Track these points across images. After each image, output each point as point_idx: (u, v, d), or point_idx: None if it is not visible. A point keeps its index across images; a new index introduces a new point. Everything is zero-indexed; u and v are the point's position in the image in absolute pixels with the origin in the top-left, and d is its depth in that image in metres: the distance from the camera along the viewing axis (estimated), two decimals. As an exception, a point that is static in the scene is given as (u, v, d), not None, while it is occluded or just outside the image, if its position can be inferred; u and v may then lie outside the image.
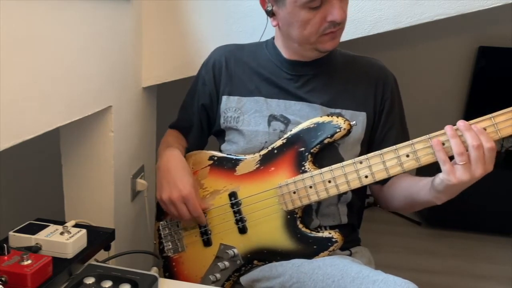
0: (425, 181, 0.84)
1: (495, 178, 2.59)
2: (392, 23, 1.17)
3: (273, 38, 1.02)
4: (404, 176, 0.93)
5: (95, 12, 0.93)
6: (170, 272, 1.00)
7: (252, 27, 1.21)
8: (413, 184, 0.89)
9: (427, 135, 0.76)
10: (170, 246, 1.00)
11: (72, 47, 0.85)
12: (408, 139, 0.79)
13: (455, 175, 0.73)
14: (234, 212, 0.93)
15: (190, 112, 1.08)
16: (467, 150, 0.72)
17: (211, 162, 0.98)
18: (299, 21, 0.85)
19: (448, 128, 0.74)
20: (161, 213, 1.02)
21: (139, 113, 1.28)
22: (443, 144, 0.75)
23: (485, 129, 0.73)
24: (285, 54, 0.97)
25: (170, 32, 1.26)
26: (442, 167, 0.74)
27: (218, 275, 0.93)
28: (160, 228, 1.01)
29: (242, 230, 0.92)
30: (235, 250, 0.92)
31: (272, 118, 0.95)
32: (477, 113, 0.75)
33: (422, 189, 0.84)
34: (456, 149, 0.72)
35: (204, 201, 0.96)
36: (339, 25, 0.86)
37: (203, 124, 1.07)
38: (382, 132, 0.97)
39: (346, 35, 1.01)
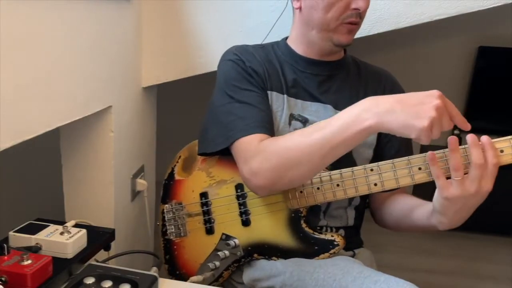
0: (430, 204, 0.81)
1: (495, 178, 2.59)
2: (392, 23, 1.17)
3: (284, 39, 1.01)
4: (408, 196, 0.93)
5: (95, 12, 0.93)
6: (170, 254, 1.01)
7: (252, 27, 1.21)
8: (417, 204, 0.86)
9: (442, 150, 0.74)
10: (173, 230, 1.00)
11: (72, 47, 0.85)
12: (411, 150, 0.77)
13: (449, 190, 0.70)
14: (239, 204, 0.93)
15: (261, 103, 0.90)
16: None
17: None
18: (324, 1, 0.86)
19: (450, 139, 0.69)
20: (166, 196, 1.02)
21: (139, 113, 1.28)
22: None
23: (502, 150, 0.72)
24: (299, 51, 0.96)
25: (170, 32, 1.26)
26: (437, 182, 0.72)
27: (217, 263, 0.94)
28: (165, 211, 1.01)
29: (245, 223, 0.92)
30: (236, 241, 0.92)
31: (291, 117, 0.94)
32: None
33: (424, 211, 0.82)
34: (453, 164, 0.69)
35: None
36: (360, 17, 0.88)
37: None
38: (385, 139, 0.96)
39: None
